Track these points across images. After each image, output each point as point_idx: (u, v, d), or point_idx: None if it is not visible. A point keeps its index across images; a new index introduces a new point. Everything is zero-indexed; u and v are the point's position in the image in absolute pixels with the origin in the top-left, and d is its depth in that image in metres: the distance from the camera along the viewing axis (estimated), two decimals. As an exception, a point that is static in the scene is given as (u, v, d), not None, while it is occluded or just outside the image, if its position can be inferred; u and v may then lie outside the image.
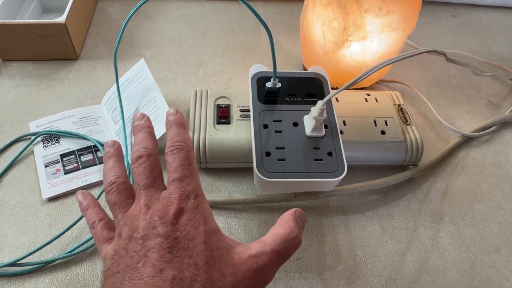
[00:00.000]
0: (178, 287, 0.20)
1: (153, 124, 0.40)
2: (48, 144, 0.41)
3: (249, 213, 0.38)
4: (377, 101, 0.43)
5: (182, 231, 0.22)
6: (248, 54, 0.55)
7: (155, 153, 0.27)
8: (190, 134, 0.38)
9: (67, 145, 0.41)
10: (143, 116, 0.29)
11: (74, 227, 0.36)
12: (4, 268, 0.33)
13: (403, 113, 0.42)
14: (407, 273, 0.35)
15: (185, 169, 0.24)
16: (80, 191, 0.30)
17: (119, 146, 0.30)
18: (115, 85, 0.44)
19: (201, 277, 0.21)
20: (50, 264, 0.33)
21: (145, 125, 0.28)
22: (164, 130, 0.39)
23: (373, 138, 0.39)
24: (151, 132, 0.28)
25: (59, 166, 0.40)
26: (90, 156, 0.41)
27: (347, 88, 0.32)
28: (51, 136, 0.42)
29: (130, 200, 0.26)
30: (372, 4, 0.38)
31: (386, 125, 0.40)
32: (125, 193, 0.26)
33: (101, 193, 0.38)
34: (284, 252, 0.24)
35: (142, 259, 0.21)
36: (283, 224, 0.25)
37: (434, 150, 0.44)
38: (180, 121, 0.28)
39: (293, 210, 0.26)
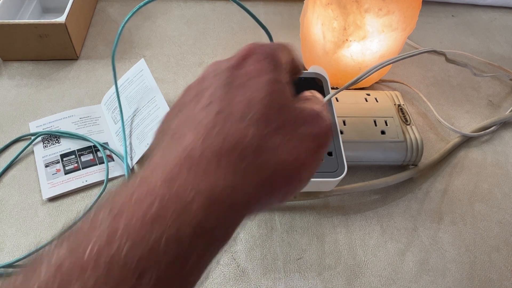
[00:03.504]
0: (223, 121, 0.18)
1: (153, 123, 0.40)
2: (48, 144, 0.41)
3: (249, 213, 0.38)
4: (377, 101, 0.43)
5: (243, 70, 0.20)
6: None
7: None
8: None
9: (67, 145, 0.41)
10: None
11: (74, 227, 0.36)
12: (4, 268, 0.33)
13: (403, 113, 0.42)
14: (407, 273, 0.35)
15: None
16: None
17: None
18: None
19: (254, 114, 0.18)
20: (50, 264, 0.33)
21: None
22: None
23: (373, 138, 0.39)
24: None
25: (59, 166, 0.40)
26: (90, 156, 0.41)
27: (347, 88, 0.32)
28: (51, 136, 0.42)
29: None
30: (372, 4, 0.38)
31: (386, 125, 0.40)
32: None
33: (101, 193, 0.38)
34: None
35: (196, 97, 0.19)
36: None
37: (434, 150, 0.44)
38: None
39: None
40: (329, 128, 0.21)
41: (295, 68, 0.23)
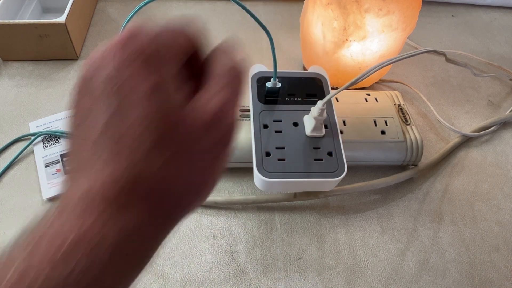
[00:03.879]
0: (118, 157, 0.17)
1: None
2: (48, 144, 0.41)
3: (249, 213, 0.38)
4: (377, 101, 0.43)
5: (122, 79, 0.17)
6: (248, 54, 0.55)
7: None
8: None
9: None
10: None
11: None
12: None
13: (403, 113, 0.42)
14: (407, 273, 0.35)
15: None
16: None
17: None
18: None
19: (144, 147, 0.17)
20: (50, 264, 0.33)
21: None
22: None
23: (373, 138, 0.39)
24: None
25: (59, 166, 0.40)
26: (90, 156, 0.41)
27: (347, 88, 0.32)
28: (51, 136, 0.42)
29: None
30: (372, 4, 0.38)
31: (386, 125, 0.40)
32: None
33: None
34: None
35: (84, 123, 0.17)
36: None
37: (434, 150, 0.44)
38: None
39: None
40: (230, 127, 0.19)
41: (195, 46, 0.21)
